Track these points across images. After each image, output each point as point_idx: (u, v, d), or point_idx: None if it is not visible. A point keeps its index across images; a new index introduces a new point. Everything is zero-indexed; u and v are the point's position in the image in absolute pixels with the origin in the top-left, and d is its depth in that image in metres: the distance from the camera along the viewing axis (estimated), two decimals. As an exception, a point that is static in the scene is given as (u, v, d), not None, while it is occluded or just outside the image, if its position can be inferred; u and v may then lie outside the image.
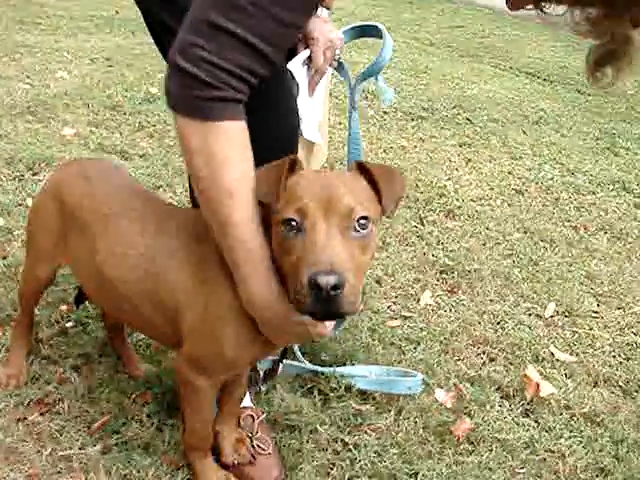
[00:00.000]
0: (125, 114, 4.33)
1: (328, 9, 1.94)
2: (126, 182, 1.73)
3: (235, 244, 1.31)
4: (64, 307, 2.28)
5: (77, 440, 1.79)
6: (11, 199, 2.98)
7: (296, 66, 1.84)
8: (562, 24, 1.18)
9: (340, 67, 1.97)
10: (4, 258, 2.53)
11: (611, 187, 4.09)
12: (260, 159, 1.32)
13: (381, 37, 1.90)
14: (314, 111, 1.95)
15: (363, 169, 1.32)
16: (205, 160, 1.27)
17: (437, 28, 8.74)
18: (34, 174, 3.31)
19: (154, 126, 4.19)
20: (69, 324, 2.21)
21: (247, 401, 1.88)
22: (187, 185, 1.88)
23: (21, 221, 2.76)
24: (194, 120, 1.26)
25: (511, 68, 7.18)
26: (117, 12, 7.54)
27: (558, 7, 1.20)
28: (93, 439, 1.80)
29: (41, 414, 1.86)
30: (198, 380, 1.53)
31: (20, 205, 2.95)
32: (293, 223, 1.21)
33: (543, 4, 1.21)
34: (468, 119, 5.17)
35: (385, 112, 5.07)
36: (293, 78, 1.83)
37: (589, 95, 6.37)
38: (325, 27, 1.87)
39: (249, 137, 1.31)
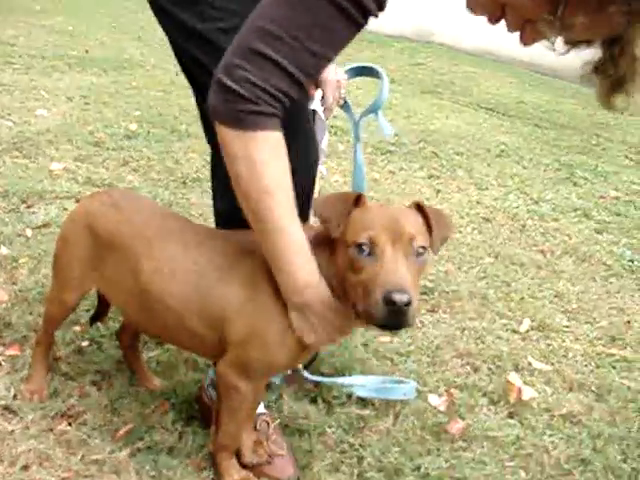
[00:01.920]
0: (108, 149, 4.48)
1: None
2: (156, 208, 1.91)
3: (276, 234, 1.51)
4: (77, 328, 2.42)
5: (105, 446, 1.92)
6: (11, 230, 3.10)
7: (318, 106, 2.06)
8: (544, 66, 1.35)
9: (345, 105, 2.20)
10: (14, 284, 2.66)
11: (573, 214, 4.37)
12: None
13: (376, 76, 2.13)
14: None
15: (419, 208, 1.57)
16: (246, 165, 1.47)
17: (398, 66, 9.07)
18: (28, 207, 3.42)
19: (137, 161, 4.35)
20: (84, 343, 2.35)
21: (261, 408, 2.05)
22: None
23: (25, 250, 2.90)
24: (236, 130, 1.45)
25: (471, 103, 7.51)
26: (87, 51, 7.70)
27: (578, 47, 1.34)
28: (120, 444, 1.93)
29: (68, 424, 1.99)
30: (241, 383, 1.70)
31: (20, 235, 3.08)
32: (364, 247, 1.45)
33: (553, 39, 1.36)
34: (434, 152, 5.43)
35: (356, 147, 5.29)
36: (319, 117, 2.05)
37: (546, 129, 6.72)
38: (332, 69, 2.09)
39: None
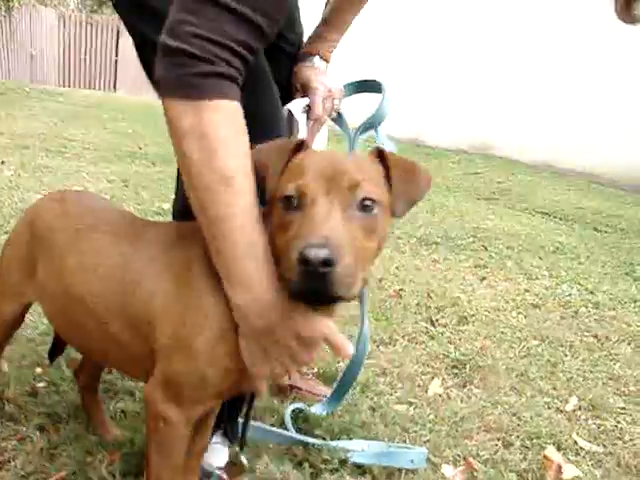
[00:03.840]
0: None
1: (327, 62, 1.91)
2: (103, 203, 1.62)
3: (234, 237, 1.16)
4: (39, 370, 2.11)
5: (26, 497, 1.56)
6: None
7: (296, 108, 1.77)
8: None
9: (339, 118, 1.91)
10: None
11: (632, 305, 3.91)
12: None
13: (378, 91, 1.85)
14: None
15: (380, 156, 1.22)
16: (198, 142, 1.14)
17: (453, 175, 8.87)
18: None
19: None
20: (41, 384, 2.03)
21: (221, 460, 1.66)
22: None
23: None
24: (185, 100, 1.14)
25: (526, 209, 7.18)
26: (140, 148, 7.80)
27: None
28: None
29: (-11, 470, 1.64)
30: (170, 412, 1.32)
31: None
32: (292, 200, 1.11)
33: None
34: (483, 246, 5.08)
35: (399, 237, 5.00)
36: (292, 116, 1.76)
37: (605, 232, 6.31)
38: (324, 78, 1.83)
39: None
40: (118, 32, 18.05)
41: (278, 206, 1.14)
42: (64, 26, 17.95)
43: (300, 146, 1.21)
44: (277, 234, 1.15)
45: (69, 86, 17.88)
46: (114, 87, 18.73)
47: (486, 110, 10.44)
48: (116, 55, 18.55)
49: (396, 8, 10.82)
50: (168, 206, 4.75)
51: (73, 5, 25.69)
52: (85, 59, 18.39)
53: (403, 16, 11.02)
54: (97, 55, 18.53)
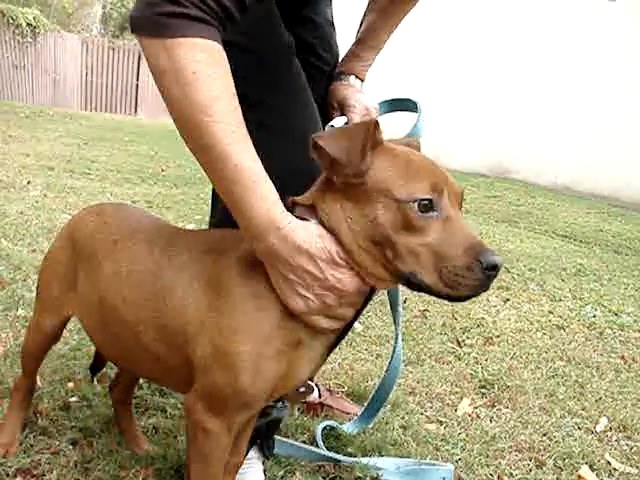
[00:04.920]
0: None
1: (362, 80, 1.93)
2: (140, 212, 1.63)
3: (220, 163, 1.17)
4: (71, 384, 2.12)
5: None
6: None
7: (338, 125, 1.78)
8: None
9: None
10: (15, 339, 2.41)
11: (658, 327, 3.88)
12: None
13: (414, 110, 1.86)
14: None
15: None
16: (174, 78, 1.16)
17: (472, 198, 8.86)
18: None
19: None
20: (73, 399, 2.04)
21: (257, 477, 1.66)
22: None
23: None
24: (160, 38, 1.16)
25: (546, 231, 7.16)
26: (163, 170, 7.86)
27: None
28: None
29: (26, 482, 1.65)
30: (211, 422, 1.32)
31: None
32: (427, 204, 1.14)
33: None
34: (506, 268, 5.06)
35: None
36: None
37: (626, 255, 6.29)
38: (361, 96, 1.85)
39: (260, 159, 1.20)
40: (139, 57, 18.31)
41: (403, 206, 1.14)
42: (87, 51, 18.22)
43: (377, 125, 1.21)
44: (398, 233, 1.15)
45: (91, 110, 18.11)
46: (135, 110, 18.94)
47: (505, 134, 10.46)
48: (137, 79, 18.78)
49: (416, 32, 10.91)
50: (193, 226, 4.79)
51: (96, 31, 26.10)
52: (107, 83, 18.62)
53: (424, 42, 11.10)
54: (118, 79, 18.76)
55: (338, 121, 1.78)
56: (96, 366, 1.95)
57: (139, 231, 1.50)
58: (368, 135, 1.17)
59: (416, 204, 1.13)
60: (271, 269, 1.23)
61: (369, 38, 1.89)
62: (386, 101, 1.94)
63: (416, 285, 1.16)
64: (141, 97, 18.83)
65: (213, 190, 1.75)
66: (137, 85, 18.81)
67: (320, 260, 1.18)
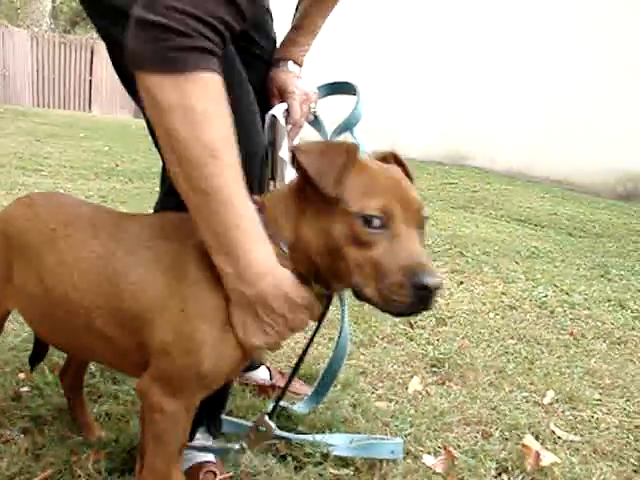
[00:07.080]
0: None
1: (300, 66, 1.95)
2: (72, 200, 1.62)
3: (221, 207, 1.18)
4: (22, 375, 2.12)
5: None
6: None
7: (279, 113, 1.80)
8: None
9: (316, 121, 1.95)
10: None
11: (607, 304, 3.97)
12: None
13: (355, 94, 1.89)
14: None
15: (396, 159, 1.37)
16: (183, 116, 1.14)
17: (428, 185, 8.93)
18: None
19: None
20: (24, 389, 2.04)
21: (210, 456, 1.68)
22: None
23: None
24: (168, 74, 1.13)
25: (502, 216, 7.26)
26: (117, 165, 7.79)
27: None
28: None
29: (-26, 472, 1.65)
30: (169, 404, 1.33)
31: None
32: (376, 220, 1.18)
33: None
34: (460, 252, 5.13)
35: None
36: (275, 122, 1.78)
37: (580, 237, 6.41)
38: (299, 81, 1.87)
39: None
40: (92, 52, 18.06)
41: (353, 221, 1.19)
42: (37, 46, 17.91)
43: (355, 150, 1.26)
44: (348, 247, 1.20)
45: (43, 106, 17.82)
46: (89, 106, 18.70)
47: (459, 121, 10.57)
48: (90, 75, 18.53)
49: (368, 14, 10.96)
50: (146, 219, 4.76)
51: (46, 26, 25.64)
52: (59, 79, 18.34)
53: (376, 26, 11.15)
54: (71, 75, 18.47)
55: (278, 108, 1.80)
56: (35, 358, 1.92)
57: (79, 217, 1.48)
58: (347, 162, 1.21)
59: (365, 219, 1.18)
60: (241, 308, 1.25)
61: (305, 24, 1.91)
62: (325, 85, 1.97)
63: (361, 297, 1.22)
64: (95, 93, 18.58)
65: (162, 178, 1.75)
66: (90, 81, 18.56)
67: (297, 307, 1.25)
